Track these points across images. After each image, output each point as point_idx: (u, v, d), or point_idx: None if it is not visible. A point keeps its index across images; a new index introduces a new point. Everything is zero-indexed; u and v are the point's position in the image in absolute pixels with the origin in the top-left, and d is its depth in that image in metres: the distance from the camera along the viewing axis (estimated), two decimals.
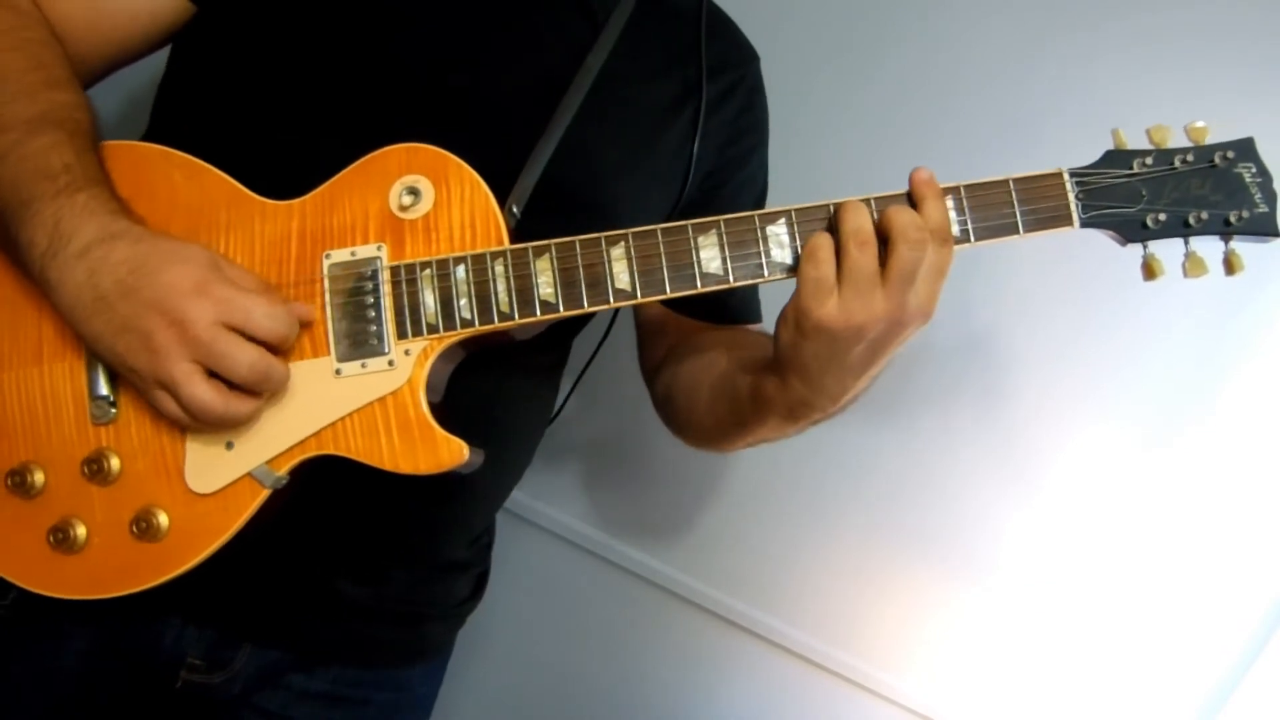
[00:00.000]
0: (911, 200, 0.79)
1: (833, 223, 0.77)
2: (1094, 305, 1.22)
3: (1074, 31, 1.22)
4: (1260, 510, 1.20)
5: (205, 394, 0.74)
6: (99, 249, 0.75)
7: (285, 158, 0.87)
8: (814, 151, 1.31)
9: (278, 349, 0.78)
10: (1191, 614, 1.24)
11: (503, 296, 0.80)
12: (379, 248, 0.82)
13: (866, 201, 0.79)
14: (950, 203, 0.80)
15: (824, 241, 0.76)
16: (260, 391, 0.77)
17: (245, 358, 0.75)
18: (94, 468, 0.80)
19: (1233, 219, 0.80)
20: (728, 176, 1.04)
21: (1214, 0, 1.17)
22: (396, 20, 0.90)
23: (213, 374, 0.75)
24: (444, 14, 0.91)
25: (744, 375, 0.90)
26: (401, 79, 0.89)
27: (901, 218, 0.75)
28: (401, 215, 0.83)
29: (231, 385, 0.76)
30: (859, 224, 0.75)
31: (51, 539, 0.80)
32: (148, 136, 0.92)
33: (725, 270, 0.80)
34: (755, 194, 1.10)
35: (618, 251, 0.80)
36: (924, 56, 1.29)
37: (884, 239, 0.76)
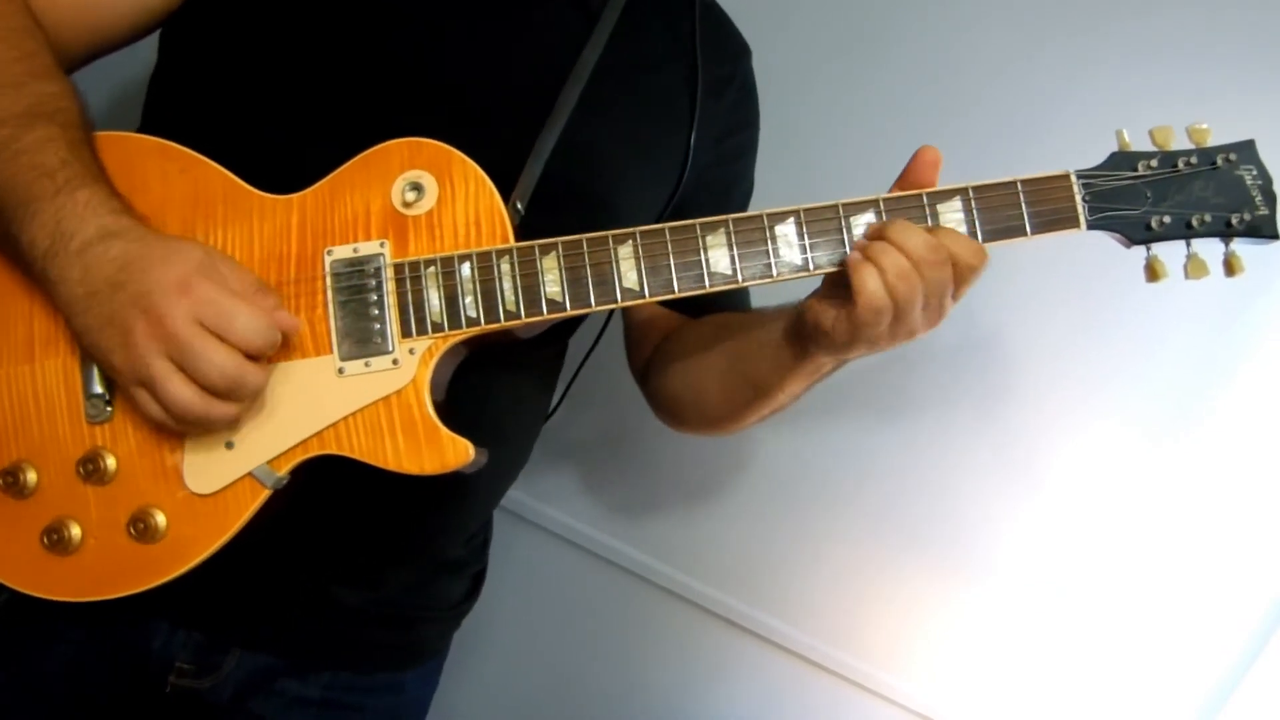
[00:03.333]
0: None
1: (864, 247, 0.78)
2: (1095, 305, 1.22)
3: (1075, 27, 1.22)
4: (1260, 510, 1.20)
5: (183, 393, 0.73)
6: (97, 246, 0.74)
7: (277, 153, 0.86)
8: (812, 146, 1.31)
9: (255, 358, 0.75)
10: (1191, 614, 1.24)
11: (509, 295, 0.80)
12: (382, 244, 0.81)
13: (875, 203, 0.80)
14: (958, 204, 0.80)
15: (878, 284, 0.76)
16: (232, 400, 0.75)
17: (216, 361, 0.72)
18: (89, 468, 0.79)
19: (1234, 222, 0.81)
20: (718, 171, 1.04)
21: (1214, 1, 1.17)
22: (390, 15, 0.89)
23: None
24: (438, 9, 0.90)
25: (761, 354, 0.91)
26: (396, 75, 0.88)
27: (914, 243, 0.76)
28: (405, 211, 0.81)
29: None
30: (900, 264, 0.77)
31: (45, 540, 0.79)
32: (141, 129, 0.90)
33: (734, 270, 0.80)
34: (743, 191, 1.10)
35: (625, 250, 0.80)
36: (923, 51, 1.29)
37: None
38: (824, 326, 0.81)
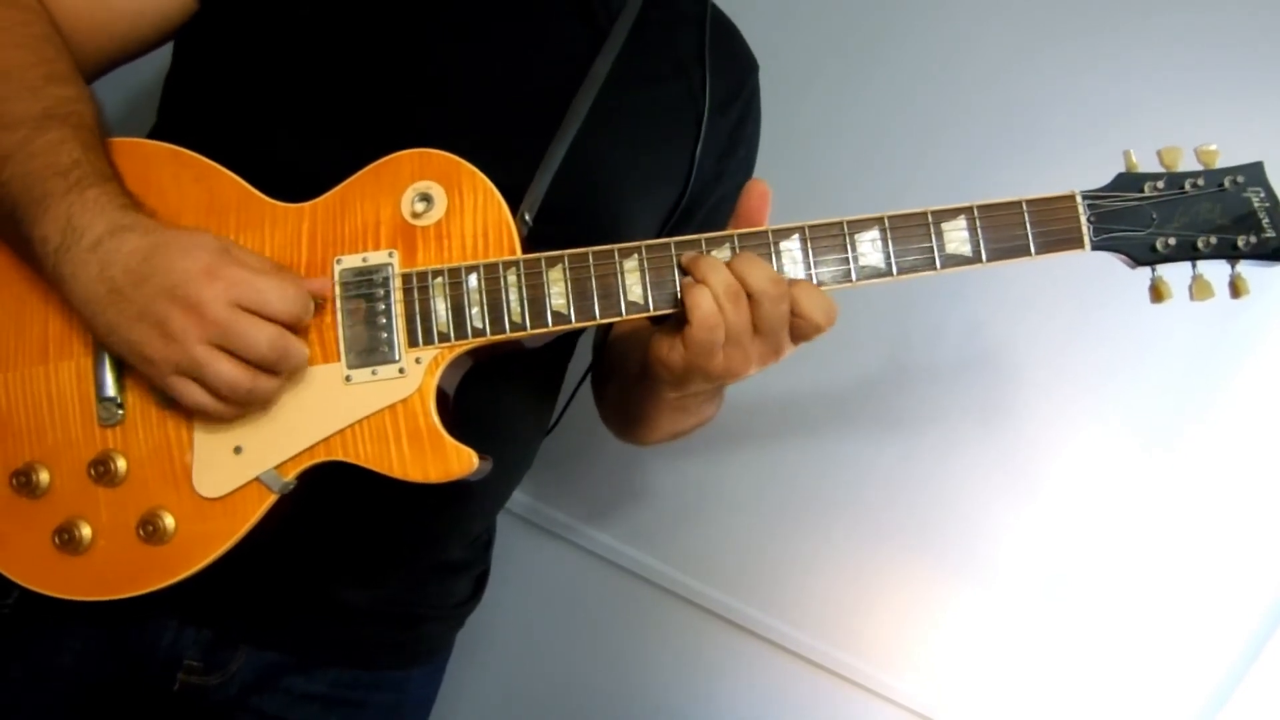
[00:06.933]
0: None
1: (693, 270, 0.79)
2: (1092, 309, 1.23)
3: (1075, 36, 1.23)
4: (1260, 511, 1.20)
5: (232, 371, 0.74)
6: (110, 241, 0.74)
7: (289, 159, 0.86)
8: (813, 152, 1.31)
9: (294, 328, 0.77)
10: (1191, 614, 1.24)
11: (515, 306, 0.80)
12: (391, 254, 0.82)
13: (880, 221, 0.80)
14: (963, 222, 0.80)
15: (712, 307, 0.77)
16: (280, 370, 0.77)
17: (264, 336, 0.74)
18: (100, 469, 0.80)
19: (1240, 244, 0.81)
20: (718, 186, 1.04)
21: (1218, 6, 1.17)
22: (404, 27, 0.90)
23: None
24: (450, 21, 0.91)
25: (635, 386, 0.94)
26: (409, 85, 0.88)
27: (757, 274, 0.77)
28: (414, 222, 0.82)
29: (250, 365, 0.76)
30: (727, 281, 0.77)
31: (56, 539, 0.80)
32: (155, 133, 0.92)
33: None
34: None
35: (631, 263, 0.80)
36: (925, 62, 1.29)
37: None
38: (660, 356, 0.82)
